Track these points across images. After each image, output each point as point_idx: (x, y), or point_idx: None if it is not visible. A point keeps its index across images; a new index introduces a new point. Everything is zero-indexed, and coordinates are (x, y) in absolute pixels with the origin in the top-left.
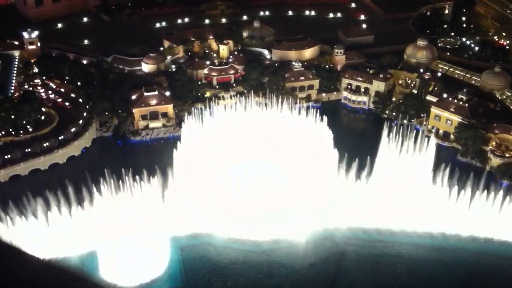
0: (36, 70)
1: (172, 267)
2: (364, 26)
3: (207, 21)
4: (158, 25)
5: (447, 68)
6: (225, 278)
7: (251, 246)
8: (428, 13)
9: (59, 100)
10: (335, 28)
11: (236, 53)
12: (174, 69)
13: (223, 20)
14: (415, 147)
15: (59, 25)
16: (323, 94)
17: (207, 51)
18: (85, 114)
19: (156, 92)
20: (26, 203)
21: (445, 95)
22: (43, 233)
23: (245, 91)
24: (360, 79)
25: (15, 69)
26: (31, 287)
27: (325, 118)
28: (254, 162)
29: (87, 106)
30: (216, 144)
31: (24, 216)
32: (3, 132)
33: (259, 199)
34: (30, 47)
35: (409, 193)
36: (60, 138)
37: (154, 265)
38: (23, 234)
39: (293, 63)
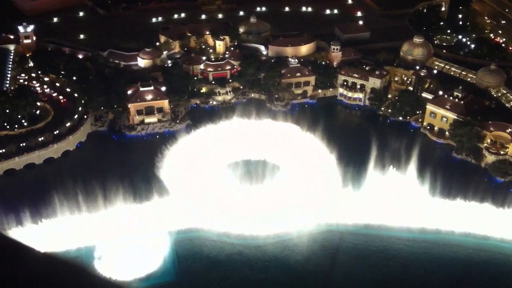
0: (31, 64)
1: (166, 261)
2: (360, 22)
3: (203, 16)
4: (154, 19)
5: (443, 65)
6: (220, 272)
7: (247, 241)
8: (425, 10)
9: (55, 94)
10: (332, 24)
11: (232, 48)
12: (170, 64)
13: (220, 16)
14: (410, 143)
15: (55, 19)
16: (319, 91)
17: (203, 46)
18: (80, 108)
19: (152, 87)
20: (20, 198)
21: (440, 92)
22: (41, 228)
23: (241, 87)
24: (356, 75)
25: (10, 63)
26: (31, 279)
27: (321, 115)
28: (252, 159)
29: (83, 101)
30: (215, 142)
31: (20, 211)
32: None
33: (255, 196)
34: (26, 41)
35: (404, 189)
36: (55, 132)
37: (149, 259)
38: (21, 228)
39: (289, 59)
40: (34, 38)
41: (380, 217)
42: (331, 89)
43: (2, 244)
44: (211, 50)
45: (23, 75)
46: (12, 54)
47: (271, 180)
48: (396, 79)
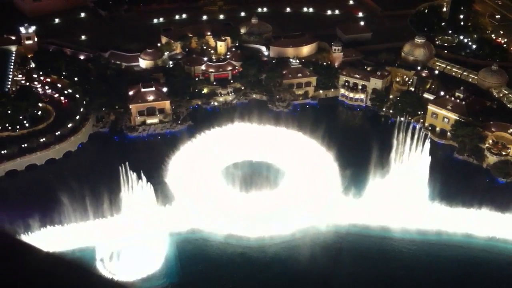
0: (33, 65)
1: (169, 262)
2: (362, 23)
3: (205, 17)
4: (155, 21)
5: (444, 65)
6: (222, 273)
7: (248, 242)
8: (426, 11)
9: (56, 95)
10: (333, 25)
11: (233, 49)
12: (171, 65)
13: (221, 16)
14: (412, 144)
15: (56, 20)
16: (321, 91)
17: (204, 47)
18: (82, 109)
19: (153, 88)
20: (22, 199)
21: (442, 93)
22: (43, 228)
23: (243, 88)
24: (357, 76)
25: (12, 64)
26: (35, 278)
27: (322, 115)
28: (253, 160)
29: (84, 102)
30: (215, 143)
31: (23, 212)
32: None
33: (257, 197)
34: (27, 42)
35: (405, 190)
36: (56, 133)
37: (151, 260)
38: (24, 229)
39: (291, 59)
40: (36, 39)
41: (381, 218)
42: (332, 90)
43: (7, 243)
44: (212, 51)
45: (20, 76)
46: (13, 55)
47: (273, 181)
48: (397, 79)
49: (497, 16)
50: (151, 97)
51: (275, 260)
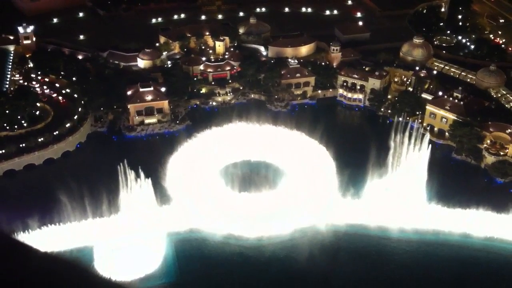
0: (31, 65)
1: (167, 262)
2: (360, 23)
3: (203, 17)
4: (154, 20)
5: (442, 66)
6: (220, 273)
7: (247, 242)
8: (425, 11)
9: (54, 95)
10: (332, 25)
11: (232, 49)
12: (169, 65)
13: (220, 16)
14: (410, 145)
15: (55, 20)
16: (319, 91)
17: (203, 47)
18: (80, 109)
19: (152, 88)
20: (20, 199)
21: (440, 93)
22: (41, 228)
23: (241, 88)
24: (356, 76)
25: (10, 64)
26: (32, 278)
27: (320, 115)
28: (252, 160)
29: (82, 101)
30: (213, 142)
31: (20, 212)
32: None
33: (255, 197)
34: (25, 41)
35: (403, 190)
36: (55, 133)
37: (149, 260)
38: (21, 228)
39: (289, 59)
40: (34, 38)
41: (380, 218)
42: (331, 90)
43: (4, 243)
44: (211, 51)
45: (18, 75)
46: (12, 54)
47: (272, 181)
48: (396, 79)
49: (501, 21)
50: (149, 97)
51: (274, 260)
